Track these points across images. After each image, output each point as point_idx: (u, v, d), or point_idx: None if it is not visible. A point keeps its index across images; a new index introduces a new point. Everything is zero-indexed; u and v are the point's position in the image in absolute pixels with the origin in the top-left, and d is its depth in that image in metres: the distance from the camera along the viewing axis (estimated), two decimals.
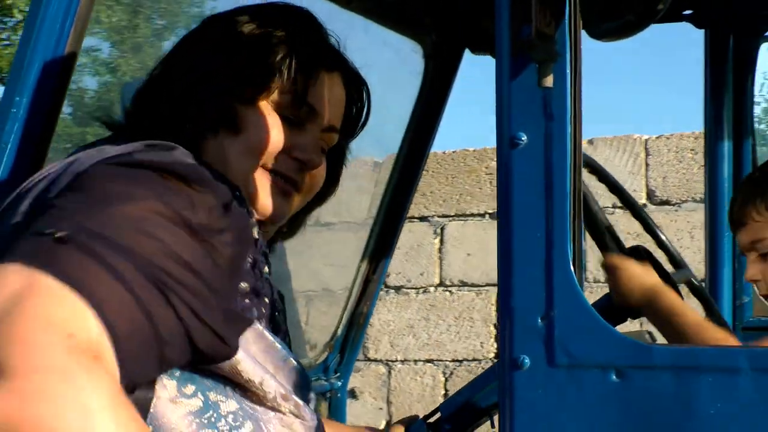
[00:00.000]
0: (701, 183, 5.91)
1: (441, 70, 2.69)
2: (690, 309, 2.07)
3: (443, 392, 5.89)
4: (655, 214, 5.93)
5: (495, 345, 5.93)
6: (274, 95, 1.61)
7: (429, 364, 5.89)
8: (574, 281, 1.33)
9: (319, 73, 1.65)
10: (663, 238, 2.63)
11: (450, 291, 6.03)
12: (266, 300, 1.50)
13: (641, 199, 6.06)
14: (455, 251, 6.02)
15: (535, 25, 1.27)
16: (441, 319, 6.02)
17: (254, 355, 1.42)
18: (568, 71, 1.31)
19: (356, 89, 1.75)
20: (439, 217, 5.98)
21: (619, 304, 2.21)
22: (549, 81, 1.29)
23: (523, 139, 1.35)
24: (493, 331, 5.93)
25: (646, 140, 6.18)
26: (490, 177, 6.00)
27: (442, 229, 6.02)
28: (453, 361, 6.00)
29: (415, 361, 5.93)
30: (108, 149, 1.44)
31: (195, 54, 1.66)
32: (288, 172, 1.62)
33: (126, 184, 1.31)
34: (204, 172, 1.41)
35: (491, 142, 6.66)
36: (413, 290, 6.02)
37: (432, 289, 6.06)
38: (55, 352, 1.05)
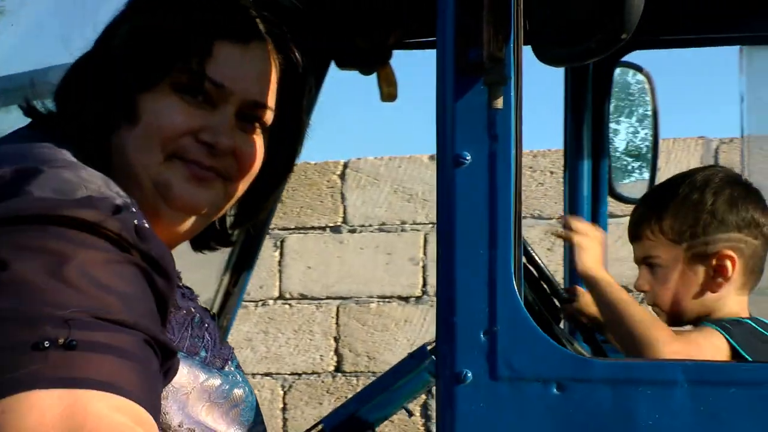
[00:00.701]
0: (538, 200, 6.18)
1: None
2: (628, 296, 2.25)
3: (281, 406, 5.99)
4: None
5: (335, 358, 6.08)
6: (174, 77, 1.53)
7: (267, 377, 5.97)
8: (516, 297, 1.39)
9: (222, 46, 1.55)
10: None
11: (289, 304, 6.13)
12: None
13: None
14: (295, 264, 6.12)
15: (488, 49, 1.33)
16: (280, 332, 6.12)
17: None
18: (513, 93, 1.37)
19: (287, 58, 1.64)
20: (279, 230, 6.07)
21: (579, 271, 2.34)
22: (499, 103, 1.35)
23: (467, 158, 1.41)
24: (333, 344, 6.07)
25: None
26: (331, 190, 6.12)
27: (282, 242, 6.11)
28: (292, 374, 6.10)
29: (253, 375, 6.00)
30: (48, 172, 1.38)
31: (99, 46, 1.59)
32: (199, 158, 1.53)
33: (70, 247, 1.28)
34: (125, 223, 1.34)
35: (332, 156, 6.75)
36: (252, 303, 6.09)
37: (271, 302, 6.14)
38: None
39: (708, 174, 2.48)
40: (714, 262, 2.36)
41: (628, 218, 3.08)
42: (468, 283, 1.43)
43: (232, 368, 1.61)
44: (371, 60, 3.05)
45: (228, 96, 1.52)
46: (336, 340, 6.17)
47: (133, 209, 1.32)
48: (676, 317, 2.44)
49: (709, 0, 2.82)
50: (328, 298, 6.18)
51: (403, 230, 6.35)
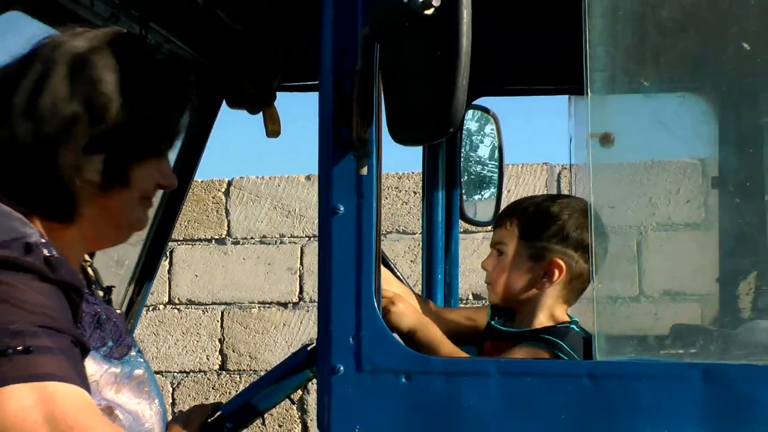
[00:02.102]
0: (403, 217, 6.39)
1: (201, 118, 3.03)
2: (436, 332, 2.36)
3: (171, 401, 6.11)
4: None
5: (219, 358, 6.23)
6: None
7: (158, 375, 6.06)
8: (376, 311, 1.75)
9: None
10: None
11: (178, 309, 6.27)
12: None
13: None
14: (183, 273, 6.25)
15: (356, 131, 1.70)
16: (169, 335, 6.24)
17: None
18: (375, 162, 1.75)
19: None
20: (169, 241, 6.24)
21: (392, 330, 2.49)
22: (364, 170, 1.72)
23: (341, 209, 1.76)
24: (218, 345, 6.22)
25: None
26: (216, 206, 6.26)
27: (171, 252, 6.23)
28: (180, 372, 6.23)
29: None
30: None
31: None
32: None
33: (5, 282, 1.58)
34: (37, 260, 1.62)
35: (217, 174, 6.91)
36: (144, 308, 6.23)
37: (161, 306, 6.27)
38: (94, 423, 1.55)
39: (572, 200, 2.61)
40: (545, 265, 2.49)
41: (479, 234, 3.38)
42: (341, 301, 1.76)
43: (134, 353, 1.89)
44: (258, 101, 3.26)
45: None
46: (221, 341, 6.30)
47: (41, 243, 1.61)
48: (501, 297, 2.58)
49: (542, 59, 3.13)
50: (213, 303, 6.31)
51: (281, 243, 6.46)
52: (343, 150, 1.75)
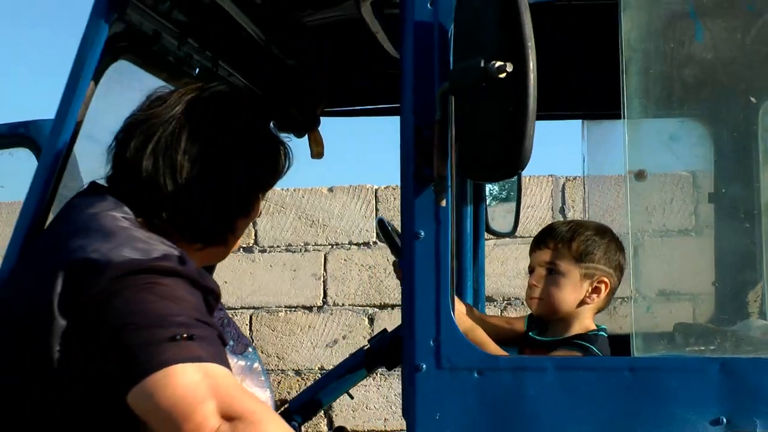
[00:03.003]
0: None
1: None
2: (483, 335, 2.60)
3: None
4: (384, 250, 6.51)
5: None
6: None
7: None
8: (452, 318, 2.02)
9: None
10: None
11: None
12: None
13: (372, 238, 6.72)
14: (214, 279, 6.53)
15: (436, 170, 1.99)
16: None
17: None
18: (450, 195, 2.03)
19: None
20: None
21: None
22: (443, 202, 2.00)
23: (422, 234, 2.04)
24: None
25: (376, 189, 6.82)
26: None
27: None
28: None
29: None
30: (119, 237, 1.92)
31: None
32: None
33: (163, 285, 1.87)
34: (190, 268, 1.92)
35: None
36: None
37: None
38: (247, 397, 1.80)
39: (603, 226, 2.84)
40: (595, 283, 2.76)
41: (491, 241, 3.56)
42: (423, 310, 2.03)
43: (250, 350, 2.22)
44: (304, 126, 3.52)
45: None
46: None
47: (185, 257, 1.93)
48: (552, 310, 2.78)
49: (558, 88, 3.30)
50: (242, 308, 6.57)
51: (306, 250, 6.70)
52: (424, 185, 2.03)
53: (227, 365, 1.84)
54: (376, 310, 6.76)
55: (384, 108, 3.73)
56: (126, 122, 2.10)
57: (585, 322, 2.78)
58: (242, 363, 2.09)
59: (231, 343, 2.09)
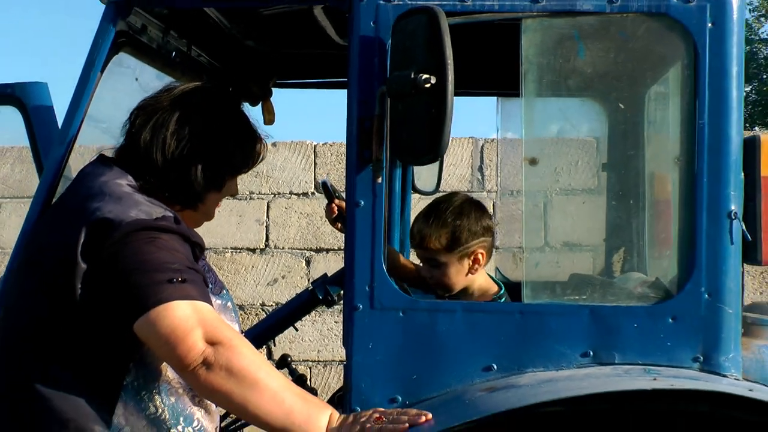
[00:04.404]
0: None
1: None
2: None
3: None
4: (321, 200, 6.77)
5: None
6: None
7: None
8: (383, 269, 2.40)
9: None
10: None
11: None
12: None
13: (311, 189, 6.92)
14: None
15: (374, 154, 2.37)
16: None
17: None
18: (385, 174, 2.42)
19: None
20: None
21: None
22: (379, 179, 2.40)
23: (361, 203, 2.42)
24: None
25: (315, 145, 7.02)
26: None
27: None
28: None
29: None
30: (127, 201, 2.29)
31: (191, 137, 2.39)
32: None
33: (162, 239, 2.26)
34: (182, 226, 2.31)
35: None
36: None
37: None
38: (225, 327, 2.18)
39: (457, 203, 3.07)
40: (472, 258, 3.04)
41: (415, 196, 3.84)
42: (361, 262, 2.40)
43: (224, 291, 2.58)
44: (258, 96, 3.84)
45: None
46: None
47: (178, 218, 2.34)
48: (449, 290, 3.03)
49: (480, 73, 3.54)
50: None
51: (251, 198, 6.91)
52: (364, 165, 2.41)
53: (210, 303, 2.26)
54: (312, 253, 6.94)
55: (325, 82, 4.04)
56: (138, 104, 2.49)
57: (479, 283, 3.09)
58: (219, 302, 2.45)
59: (210, 286, 2.43)
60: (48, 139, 3.35)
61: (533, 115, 2.63)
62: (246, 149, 2.54)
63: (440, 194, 3.34)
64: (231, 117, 2.53)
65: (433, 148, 2.23)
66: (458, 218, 3.04)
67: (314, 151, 7.06)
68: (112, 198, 2.30)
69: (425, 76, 2.21)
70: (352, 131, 2.45)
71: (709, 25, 2.40)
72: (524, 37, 2.45)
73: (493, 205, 6.35)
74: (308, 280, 6.84)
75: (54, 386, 2.26)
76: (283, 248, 7.02)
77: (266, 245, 6.99)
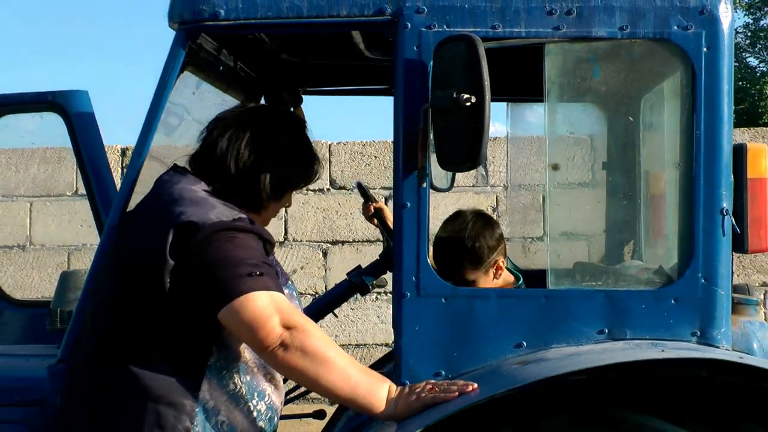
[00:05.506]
0: (366, 176, 7.13)
1: None
2: None
3: None
4: (336, 195, 7.15)
5: None
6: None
7: None
8: (428, 263, 2.68)
9: None
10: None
11: None
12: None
13: (326, 185, 7.14)
14: None
15: (420, 161, 2.65)
16: None
17: None
18: (428, 179, 2.71)
19: None
20: None
21: None
22: (423, 184, 2.65)
23: (408, 204, 2.70)
24: None
25: (330, 144, 7.24)
26: None
27: None
28: None
29: None
30: (205, 205, 2.55)
31: (267, 155, 2.67)
32: None
33: (240, 238, 2.53)
34: (257, 226, 2.58)
35: None
36: None
37: None
38: (298, 314, 2.47)
39: (471, 223, 3.36)
40: (495, 267, 3.38)
41: (439, 195, 4.08)
42: (409, 256, 2.68)
43: (290, 282, 2.85)
44: (289, 102, 4.13)
45: None
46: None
47: (252, 219, 2.62)
48: None
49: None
50: None
51: None
52: (410, 172, 2.70)
53: (283, 292, 2.54)
54: (328, 245, 7.18)
55: (351, 89, 4.33)
56: (216, 116, 2.78)
57: (503, 278, 3.41)
58: (287, 291, 2.71)
59: (280, 277, 2.71)
60: (90, 143, 3.63)
61: (554, 127, 2.98)
62: (306, 167, 2.82)
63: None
64: (296, 137, 2.82)
65: (473, 158, 2.53)
66: (476, 240, 3.31)
67: (329, 150, 7.28)
68: (192, 202, 2.55)
69: (466, 96, 2.50)
70: (399, 143, 2.72)
71: (705, 49, 2.74)
72: (547, 59, 2.79)
73: (497, 198, 6.65)
74: (325, 271, 7.07)
75: (149, 369, 2.53)
76: (301, 241, 7.25)
77: (285, 238, 7.24)
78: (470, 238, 3.32)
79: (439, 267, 3.32)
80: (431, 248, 3.42)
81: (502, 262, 3.36)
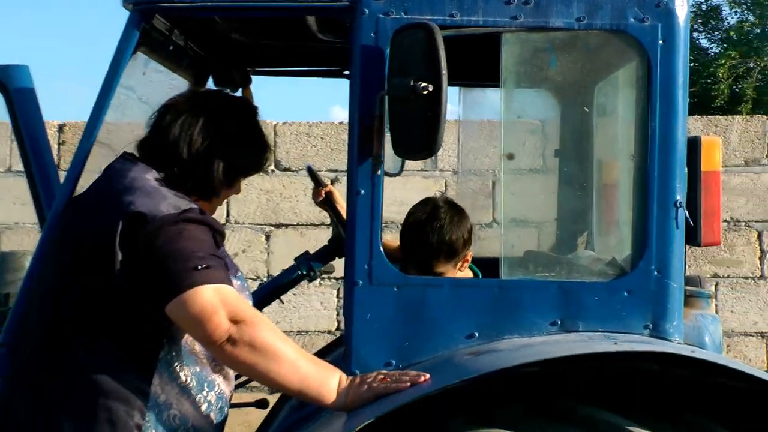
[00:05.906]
0: (311, 157, 7.17)
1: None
2: None
3: None
4: (281, 177, 7.15)
5: None
6: None
7: None
8: (380, 250, 2.67)
9: None
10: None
11: None
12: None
13: (271, 166, 7.16)
14: None
15: (375, 150, 2.63)
16: None
17: None
18: (382, 166, 2.76)
19: None
20: None
21: None
22: (379, 171, 2.67)
23: (362, 191, 2.68)
24: None
25: (275, 124, 7.24)
26: None
27: None
28: None
29: None
30: (156, 195, 2.51)
31: (214, 138, 2.63)
32: None
33: (189, 230, 2.49)
34: (207, 217, 2.55)
35: None
36: None
37: None
38: (246, 307, 2.44)
39: (444, 215, 3.27)
40: (464, 260, 3.34)
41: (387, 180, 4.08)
42: (361, 243, 2.66)
43: (240, 273, 2.82)
44: (238, 82, 4.06)
45: None
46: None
47: (202, 209, 2.60)
48: None
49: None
50: None
51: None
52: (365, 159, 2.67)
53: (231, 285, 2.51)
54: (272, 228, 7.16)
55: (301, 70, 4.28)
56: (166, 102, 2.74)
57: (465, 274, 3.42)
58: (238, 283, 2.70)
59: (229, 269, 2.67)
60: (30, 120, 3.45)
61: (510, 115, 2.97)
62: (257, 154, 2.81)
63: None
64: (249, 124, 2.80)
65: (429, 146, 2.52)
66: (452, 233, 3.27)
67: (275, 130, 7.28)
68: (142, 192, 2.52)
69: (423, 84, 2.49)
70: (354, 129, 2.70)
71: (661, 41, 2.76)
72: (504, 48, 2.78)
73: (445, 183, 6.67)
74: (268, 255, 7.06)
75: (96, 360, 2.50)
76: (243, 223, 7.21)
77: (227, 220, 7.21)
78: (447, 231, 3.27)
79: (406, 256, 3.31)
80: (398, 235, 3.41)
81: (470, 254, 3.37)
